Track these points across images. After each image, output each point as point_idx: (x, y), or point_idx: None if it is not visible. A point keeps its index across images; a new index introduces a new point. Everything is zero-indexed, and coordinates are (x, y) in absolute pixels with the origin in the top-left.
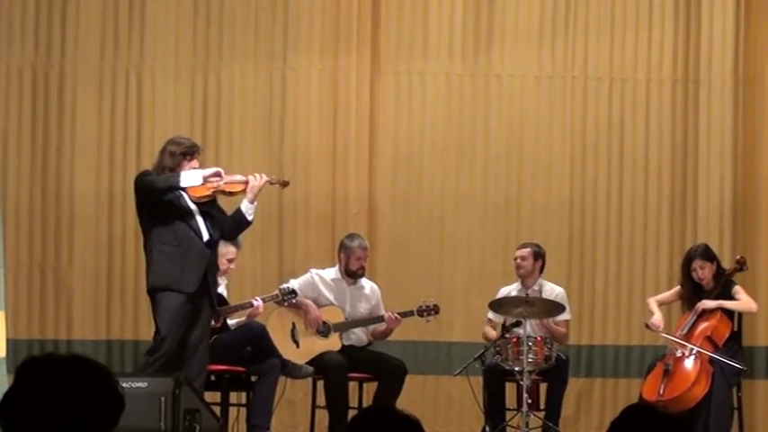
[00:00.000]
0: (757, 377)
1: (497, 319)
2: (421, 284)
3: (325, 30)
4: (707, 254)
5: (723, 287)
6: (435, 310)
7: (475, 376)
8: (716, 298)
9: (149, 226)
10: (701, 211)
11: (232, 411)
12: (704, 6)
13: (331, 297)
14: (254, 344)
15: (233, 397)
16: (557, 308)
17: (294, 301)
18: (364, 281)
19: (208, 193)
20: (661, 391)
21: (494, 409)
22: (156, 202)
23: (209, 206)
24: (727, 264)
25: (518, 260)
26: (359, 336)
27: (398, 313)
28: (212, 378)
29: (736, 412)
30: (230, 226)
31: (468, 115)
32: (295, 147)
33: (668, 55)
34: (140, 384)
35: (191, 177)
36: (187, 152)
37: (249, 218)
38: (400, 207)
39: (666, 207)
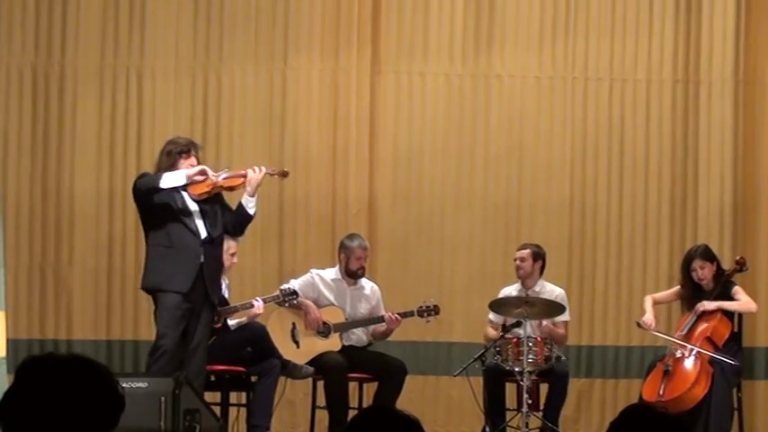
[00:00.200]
0: (757, 378)
1: (498, 319)
2: (421, 285)
3: (325, 30)
4: (707, 254)
5: (723, 288)
6: (435, 310)
7: (475, 377)
8: (715, 299)
9: (146, 227)
10: (701, 212)
11: (232, 411)
12: (704, 7)
13: (331, 297)
14: (255, 344)
15: (233, 397)
16: (557, 308)
17: (295, 302)
18: (364, 281)
19: (207, 189)
20: (661, 392)
21: (494, 410)
22: (146, 204)
23: (211, 203)
24: (726, 264)
25: (517, 261)
26: (359, 336)
27: (398, 313)
28: (212, 378)
29: (736, 413)
30: (234, 221)
31: (469, 115)
32: (295, 147)
33: (668, 55)
34: (140, 384)
35: (173, 178)
36: (183, 150)
37: (250, 211)
38: (400, 207)
39: (666, 207)
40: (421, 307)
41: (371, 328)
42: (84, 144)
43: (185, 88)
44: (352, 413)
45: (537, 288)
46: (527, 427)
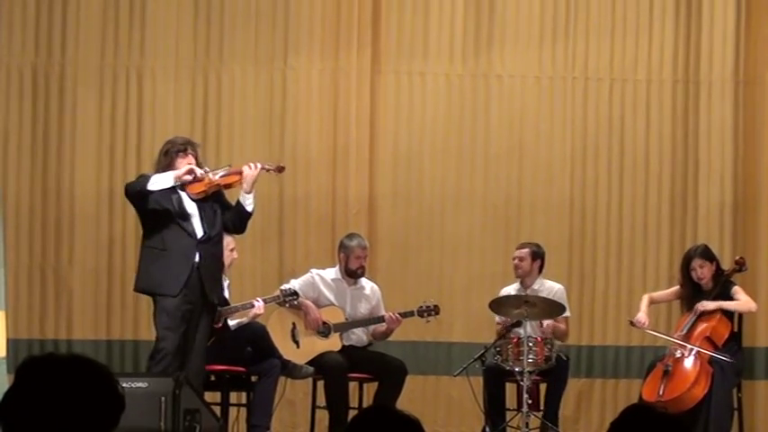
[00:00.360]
0: (757, 378)
1: (503, 320)
2: (421, 284)
3: (325, 30)
4: (706, 253)
5: (722, 288)
6: (435, 310)
7: (475, 377)
8: (715, 299)
9: (143, 228)
10: (701, 212)
11: (232, 411)
12: (705, 7)
13: (331, 297)
14: (255, 344)
15: (233, 397)
16: (557, 308)
17: (295, 302)
18: (365, 281)
19: (204, 188)
20: (661, 392)
21: (494, 410)
22: (139, 207)
23: (209, 202)
24: (726, 264)
25: (516, 260)
26: (359, 336)
27: (399, 313)
28: (212, 378)
29: (736, 413)
30: (233, 219)
31: (469, 115)
32: (295, 147)
33: (669, 56)
34: (140, 384)
35: (161, 180)
36: (180, 149)
37: (249, 208)
38: (400, 207)
39: (667, 207)
40: (421, 307)
41: (371, 328)
42: (84, 144)
43: (185, 88)
44: (352, 413)
45: (536, 286)
46: (527, 427)
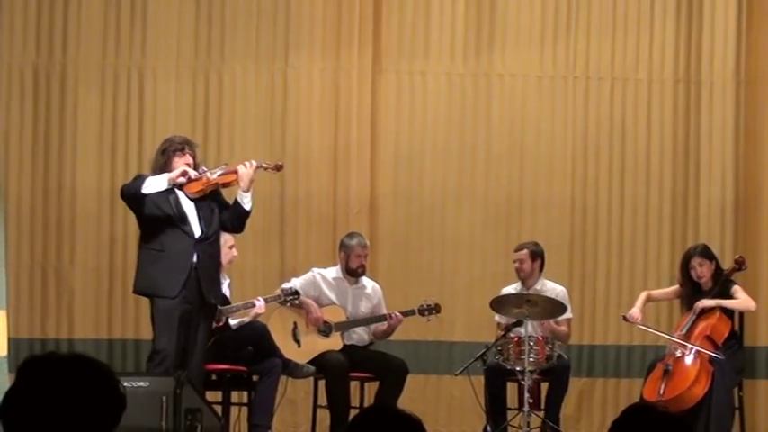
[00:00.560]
0: (758, 377)
1: (504, 320)
2: (422, 284)
3: (326, 29)
4: (706, 252)
5: (722, 287)
6: (437, 309)
7: (476, 376)
8: (714, 297)
9: (141, 229)
10: (702, 211)
11: (233, 411)
12: (706, 7)
13: (333, 296)
14: (256, 343)
15: (234, 396)
16: (558, 307)
17: (296, 302)
18: (366, 280)
19: (201, 187)
20: (661, 391)
21: (495, 409)
22: (135, 209)
23: (207, 201)
24: (727, 264)
25: (516, 263)
26: (360, 335)
27: (400, 313)
28: (213, 377)
29: (737, 412)
30: (232, 218)
31: (470, 115)
32: (296, 146)
33: (670, 55)
34: (142, 383)
35: (155, 183)
36: (177, 148)
37: (246, 207)
38: (401, 206)
39: (668, 207)
40: (422, 306)
41: (372, 327)
42: (85, 143)
43: (186, 88)
44: (353, 412)
45: (538, 287)
46: (528, 426)
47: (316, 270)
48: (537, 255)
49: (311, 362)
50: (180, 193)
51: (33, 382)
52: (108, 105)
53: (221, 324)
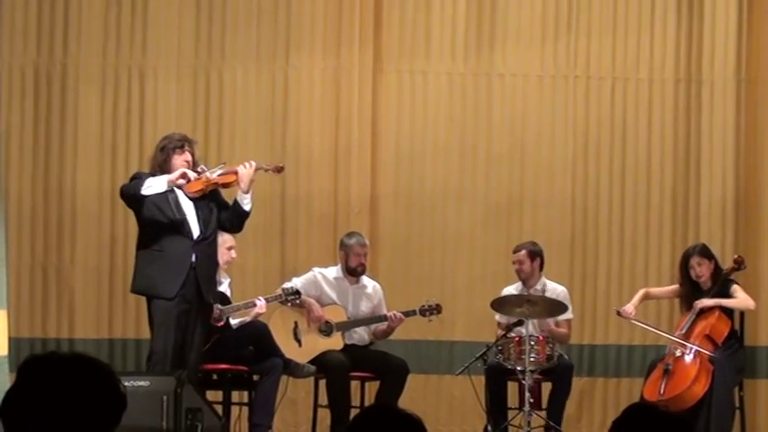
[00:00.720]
0: (759, 377)
1: (504, 320)
2: (423, 284)
3: (327, 29)
4: (705, 252)
5: (721, 286)
6: (437, 309)
7: (477, 375)
8: (714, 297)
9: (139, 229)
10: (702, 211)
11: (234, 410)
12: (707, 6)
13: (333, 296)
14: (257, 343)
15: (235, 396)
16: (559, 307)
17: (297, 301)
18: (367, 280)
19: (201, 187)
20: (661, 391)
21: (496, 409)
22: (134, 209)
23: (206, 200)
24: (727, 264)
25: (516, 264)
26: (361, 335)
27: (401, 313)
28: (214, 377)
29: (738, 412)
30: (231, 218)
31: (471, 114)
32: (297, 146)
33: (671, 54)
34: (142, 383)
35: (154, 185)
36: (176, 146)
37: (246, 208)
38: (402, 206)
39: (668, 206)
40: (423, 306)
41: (373, 326)
42: (86, 143)
43: (187, 87)
44: (354, 412)
45: (539, 287)
46: (529, 425)
47: (316, 269)
48: (535, 254)
49: (312, 361)
50: (179, 193)
51: (34, 381)
52: (108, 105)
53: (222, 323)
